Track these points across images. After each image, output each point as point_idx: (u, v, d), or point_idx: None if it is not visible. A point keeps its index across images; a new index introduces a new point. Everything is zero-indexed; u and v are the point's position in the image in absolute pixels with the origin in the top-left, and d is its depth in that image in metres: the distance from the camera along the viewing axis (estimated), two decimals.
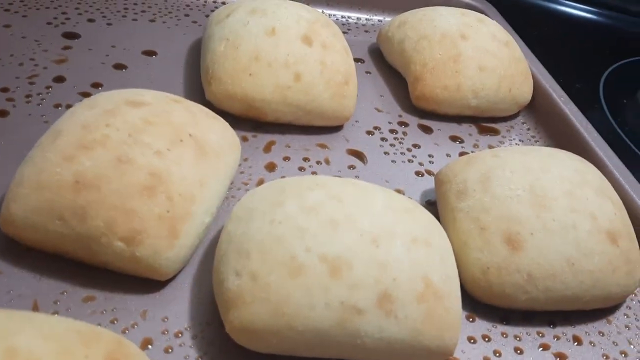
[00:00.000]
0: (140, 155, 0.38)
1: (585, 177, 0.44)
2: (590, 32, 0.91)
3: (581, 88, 0.73)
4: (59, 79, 0.52)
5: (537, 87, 0.63)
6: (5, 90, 0.50)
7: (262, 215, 0.37)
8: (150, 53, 0.58)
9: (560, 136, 0.59)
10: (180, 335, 0.36)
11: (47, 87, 0.51)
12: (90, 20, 0.61)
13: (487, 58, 0.59)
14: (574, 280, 0.40)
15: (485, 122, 0.61)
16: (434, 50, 0.59)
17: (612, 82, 0.76)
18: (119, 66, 0.56)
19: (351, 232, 0.35)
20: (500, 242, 0.41)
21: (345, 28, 0.72)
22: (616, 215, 0.43)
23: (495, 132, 0.60)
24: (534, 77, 0.64)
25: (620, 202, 0.45)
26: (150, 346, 0.35)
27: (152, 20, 0.63)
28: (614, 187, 0.47)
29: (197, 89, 0.54)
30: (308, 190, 0.38)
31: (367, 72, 0.65)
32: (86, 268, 0.38)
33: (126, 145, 0.38)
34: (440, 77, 0.58)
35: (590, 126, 0.57)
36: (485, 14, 0.71)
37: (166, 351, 0.35)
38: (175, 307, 0.38)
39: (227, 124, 0.46)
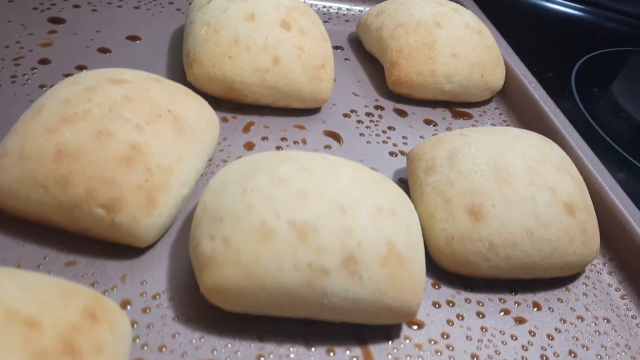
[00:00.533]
0: (120, 129, 0.39)
1: (547, 155, 0.47)
2: (564, 24, 0.93)
3: (554, 77, 0.76)
4: (44, 61, 0.54)
5: (509, 74, 0.65)
6: None
7: (236, 186, 0.39)
8: (134, 38, 0.60)
9: (529, 120, 0.61)
10: (157, 297, 0.38)
11: (33, 69, 0.53)
12: (75, 6, 0.62)
13: (460, 45, 0.61)
14: (533, 248, 0.43)
15: (459, 107, 0.63)
16: (409, 38, 0.61)
17: (584, 72, 0.79)
18: (103, 50, 0.57)
19: (319, 201, 0.37)
20: (463, 214, 0.43)
21: (326, 17, 0.74)
22: (575, 190, 0.45)
23: (468, 116, 0.63)
24: (506, 64, 0.66)
25: (581, 178, 0.48)
26: (129, 307, 0.37)
27: (137, 7, 0.65)
28: (577, 166, 0.50)
29: (179, 72, 0.56)
30: (279, 163, 0.40)
31: (346, 59, 0.67)
32: (68, 235, 0.40)
33: (107, 119, 0.40)
34: (414, 63, 0.60)
35: (557, 109, 0.59)
36: (462, 4, 0.73)
37: (144, 311, 0.37)
38: (153, 272, 0.40)
39: (206, 102, 0.48)
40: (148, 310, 0.37)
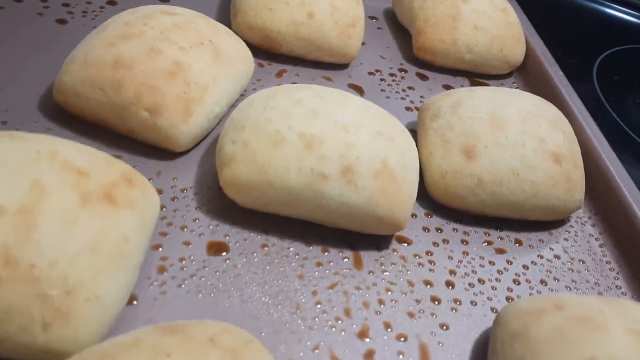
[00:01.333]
0: (167, 49, 0.47)
1: (542, 111, 0.51)
2: (598, 18, 0.96)
3: (577, 63, 0.79)
4: (111, 3, 0.62)
5: (530, 53, 0.70)
6: (66, 5, 0.60)
7: (259, 104, 0.45)
8: None
9: (543, 95, 0.65)
10: (185, 190, 0.45)
11: (101, 7, 0.61)
12: None
13: (483, 19, 0.66)
14: (518, 188, 0.47)
15: (479, 77, 0.68)
16: (436, 9, 0.66)
17: (608, 62, 0.82)
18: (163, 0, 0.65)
19: (327, 120, 0.44)
20: (458, 152, 0.48)
21: None
22: (564, 144, 0.50)
23: (486, 86, 0.67)
24: (528, 43, 0.70)
25: (574, 137, 0.52)
26: (160, 195, 0.44)
27: None
28: (575, 128, 0.54)
29: (225, 23, 0.63)
30: (299, 90, 0.47)
31: (378, 28, 0.73)
32: (117, 135, 0.47)
33: (157, 40, 0.47)
34: (439, 32, 0.65)
35: (568, 84, 0.64)
36: None
37: (172, 200, 0.44)
38: (183, 173, 0.47)
39: (243, 42, 0.55)
40: (176, 200, 0.44)
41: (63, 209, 0.32)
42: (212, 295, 0.39)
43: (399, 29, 0.73)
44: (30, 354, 0.31)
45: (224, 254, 0.42)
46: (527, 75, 0.70)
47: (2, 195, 0.31)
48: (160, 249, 0.41)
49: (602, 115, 0.72)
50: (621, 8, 0.97)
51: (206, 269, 0.40)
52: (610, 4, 0.97)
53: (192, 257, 0.41)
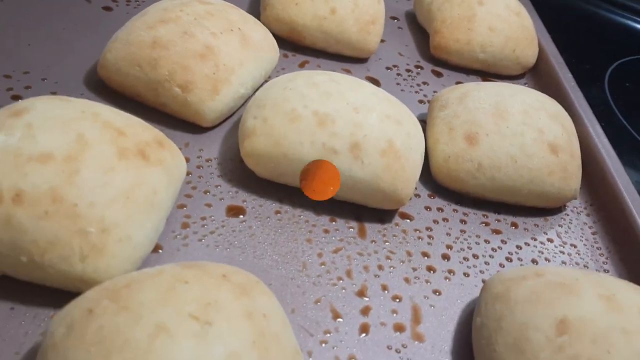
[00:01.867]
0: (200, 33, 0.52)
1: (544, 105, 0.55)
2: (611, 27, 0.98)
3: (590, 69, 0.82)
4: None
5: (542, 55, 0.73)
6: None
7: (279, 85, 0.50)
8: None
9: (551, 94, 0.69)
10: (210, 161, 0.50)
11: None
12: None
13: (498, 21, 0.70)
14: (515, 173, 0.51)
15: (492, 77, 0.72)
16: (453, 11, 0.70)
17: (621, 69, 0.85)
18: None
19: (340, 101, 0.48)
20: (461, 139, 0.52)
21: None
22: (563, 136, 0.53)
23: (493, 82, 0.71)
24: (541, 47, 0.74)
25: (574, 130, 0.55)
26: (187, 163, 0.49)
27: None
28: (581, 133, 0.58)
29: (255, 16, 0.68)
30: (316, 74, 0.51)
31: (399, 27, 0.77)
32: (151, 109, 0.52)
33: (191, 25, 0.52)
34: (454, 32, 0.69)
35: (576, 86, 0.67)
36: None
37: (198, 167, 0.49)
38: (209, 145, 0.51)
39: (269, 31, 0.60)
40: (201, 168, 0.49)
41: (102, 159, 0.37)
42: (228, 250, 0.44)
43: (418, 30, 0.77)
44: (68, 282, 0.36)
45: (241, 216, 0.46)
46: (539, 78, 0.73)
47: (52, 144, 0.37)
48: (185, 209, 0.46)
49: (610, 119, 0.75)
50: (638, 19, 0.99)
51: (224, 227, 0.45)
52: (627, 14, 0.99)
53: (212, 217, 0.46)
